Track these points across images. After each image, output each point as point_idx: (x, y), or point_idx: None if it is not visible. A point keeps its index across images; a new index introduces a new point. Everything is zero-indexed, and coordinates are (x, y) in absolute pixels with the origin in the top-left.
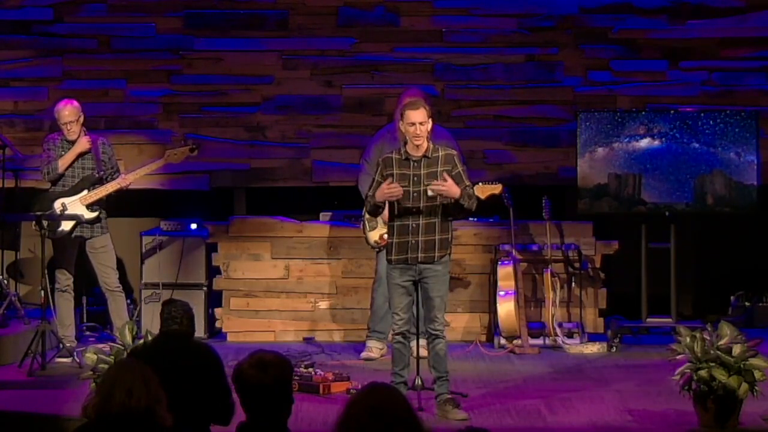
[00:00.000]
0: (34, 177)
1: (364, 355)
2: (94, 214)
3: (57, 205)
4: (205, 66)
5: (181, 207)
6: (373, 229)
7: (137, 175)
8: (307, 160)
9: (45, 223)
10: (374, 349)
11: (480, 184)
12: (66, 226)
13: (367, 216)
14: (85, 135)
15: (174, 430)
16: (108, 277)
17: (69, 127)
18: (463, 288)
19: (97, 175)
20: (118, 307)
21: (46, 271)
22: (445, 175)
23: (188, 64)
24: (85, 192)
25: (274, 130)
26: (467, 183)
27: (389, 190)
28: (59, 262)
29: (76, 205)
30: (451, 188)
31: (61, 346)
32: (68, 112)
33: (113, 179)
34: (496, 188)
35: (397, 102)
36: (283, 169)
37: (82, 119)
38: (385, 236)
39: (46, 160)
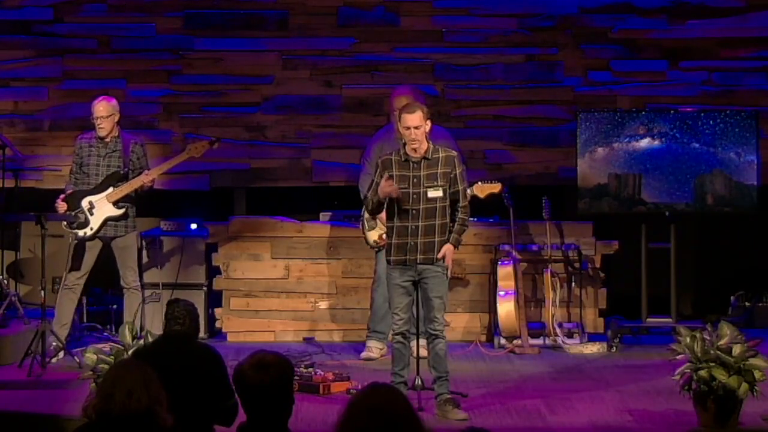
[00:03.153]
0: (34, 177)
1: (364, 355)
2: (121, 211)
3: (84, 203)
4: (205, 66)
5: (181, 207)
6: (372, 229)
7: (160, 170)
8: (307, 160)
9: (63, 223)
10: (374, 349)
11: (479, 183)
12: (94, 224)
13: (366, 216)
14: (119, 134)
15: (176, 430)
16: (126, 277)
17: (99, 123)
18: (463, 288)
19: (122, 172)
20: (130, 305)
21: (46, 271)
22: (442, 253)
23: (188, 64)
24: (111, 189)
25: (274, 130)
26: (462, 186)
27: (388, 188)
28: (76, 260)
29: (103, 202)
30: (450, 254)
31: (55, 344)
32: (102, 107)
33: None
34: (495, 187)
35: (389, 101)
36: (283, 169)
37: (116, 117)
38: (384, 236)
39: (70, 170)
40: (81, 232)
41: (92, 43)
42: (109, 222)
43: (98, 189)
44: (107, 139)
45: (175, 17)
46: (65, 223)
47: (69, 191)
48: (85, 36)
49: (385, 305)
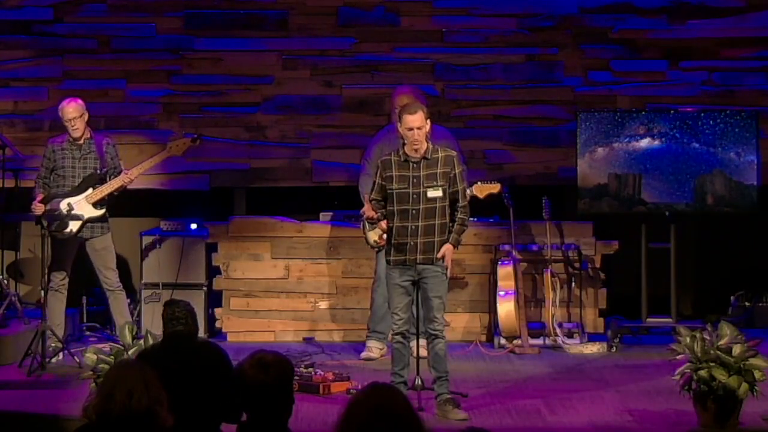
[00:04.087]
0: (34, 177)
1: (364, 355)
2: (101, 212)
3: (63, 205)
4: (205, 66)
5: (181, 207)
6: (372, 228)
7: (141, 169)
8: (307, 160)
9: (46, 222)
10: (374, 349)
11: (478, 183)
12: (74, 226)
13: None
14: (91, 135)
15: (184, 430)
16: (108, 278)
17: (72, 124)
18: (463, 288)
19: (100, 173)
20: (118, 306)
21: (46, 271)
22: (441, 252)
23: (188, 64)
24: (90, 190)
25: (274, 130)
26: (462, 185)
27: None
28: (57, 262)
29: (82, 204)
30: (449, 254)
31: (54, 344)
32: (71, 108)
33: (116, 177)
34: (495, 187)
35: (390, 100)
36: (283, 169)
37: (86, 117)
38: (385, 236)
39: (38, 174)
40: (60, 234)
41: (92, 43)
42: (87, 223)
43: (77, 191)
44: (80, 141)
45: (175, 17)
46: (45, 225)
47: (41, 194)
48: (85, 36)
49: (385, 305)
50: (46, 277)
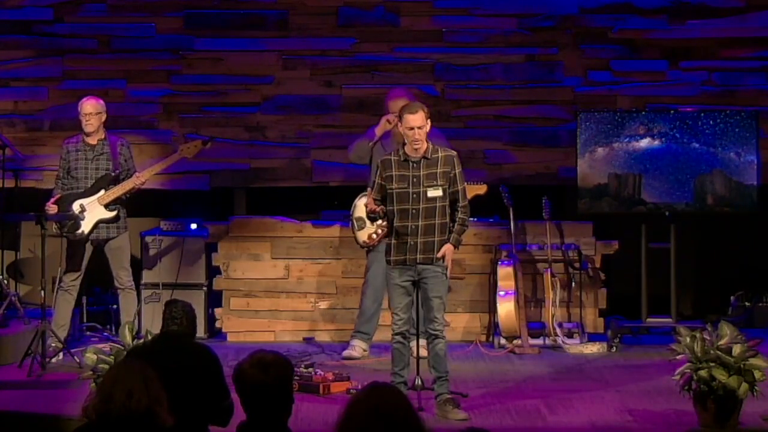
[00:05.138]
0: (34, 177)
1: (346, 353)
2: (113, 213)
3: (75, 206)
4: (205, 66)
5: (181, 207)
6: (361, 228)
7: (152, 171)
8: (307, 160)
9: (55, 224)
10: (357, 348)
11: (466, 184)
12: (86, 228)
13: (355, 216)
14: (105, 136)
15: (173, 430)
16: (120, 277)
17: (87, 119)
18: (463, 288)
19: (113, 174)
20: (125, 305)
21: (47, 271)
22: (441, 252)
23: (188, 64)
24: (102, 192)
25: (274, 130)
26: (462, 185)
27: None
28: (69, 262)
29: (94, 205)
30: (449, 254)
31: (54, 344)
32: (89, 104)
33: (129, 178)
34: (481, 189)
35: (384, 101)
36: (283, 169)
37: (103, 117)
38: (374, 236)
39: (56, 176)
40: (72, 236)
41: (92, 43)
42: (101, 224)
43: (89, 192)
44: (94, 142)
45: (175, 17)
46: (56, 227)
47: (57, 195)
48: (85, 36)
49: (374, 306)
50: (45, 277)
